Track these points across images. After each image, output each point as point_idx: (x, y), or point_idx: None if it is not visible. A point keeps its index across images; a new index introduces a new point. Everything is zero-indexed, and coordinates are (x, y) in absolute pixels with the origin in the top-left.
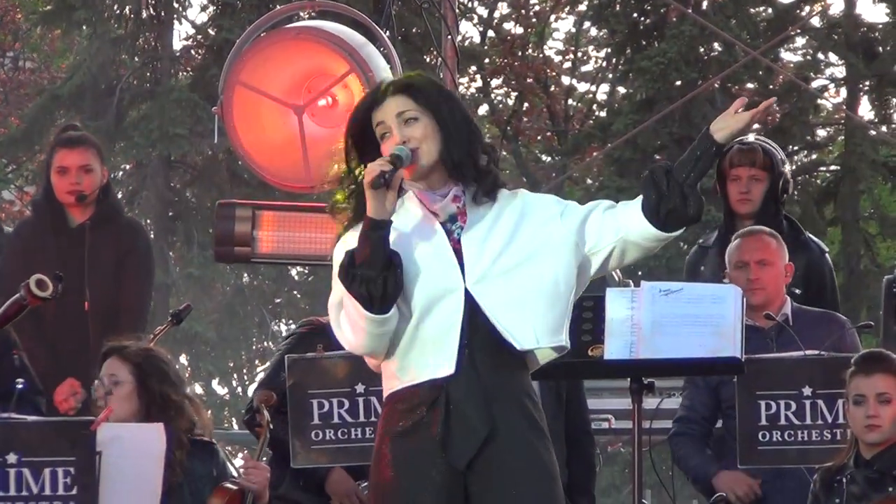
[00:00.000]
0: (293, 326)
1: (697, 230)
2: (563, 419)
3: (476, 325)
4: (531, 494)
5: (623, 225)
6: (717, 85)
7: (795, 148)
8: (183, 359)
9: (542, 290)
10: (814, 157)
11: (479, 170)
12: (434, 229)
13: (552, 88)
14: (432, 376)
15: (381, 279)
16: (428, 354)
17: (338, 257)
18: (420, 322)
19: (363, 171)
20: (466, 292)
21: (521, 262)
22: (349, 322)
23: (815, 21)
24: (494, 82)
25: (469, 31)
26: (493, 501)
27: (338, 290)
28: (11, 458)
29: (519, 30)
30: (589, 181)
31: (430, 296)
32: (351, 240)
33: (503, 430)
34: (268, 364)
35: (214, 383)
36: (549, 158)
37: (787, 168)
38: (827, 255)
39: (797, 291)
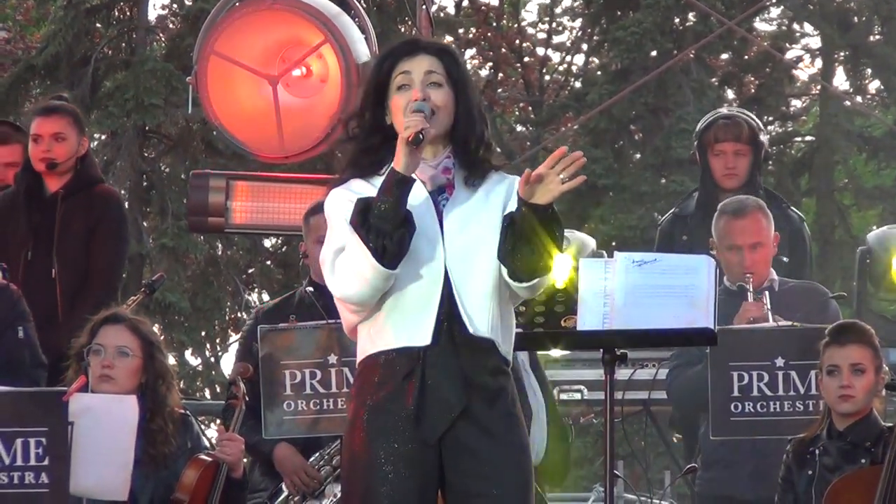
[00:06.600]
0: (266, 298)
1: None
2: None
3: (453, 300)
4: (503, 471)
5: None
6: (692, 55)
7: (770, 118)
8: (156, 329)
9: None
10: (788, 127)
11: (479, 151)
12: (423, 197)
13: (527, 59)
14: (408, 343)
15: (397, 234)
16: (407, 321)
17: (335, 207)
18: (402, 287)
19: (368, 119)
20: (445, 266)
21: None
22: (352, 270)
23: None
24: (469, 52)
25: (443, 0)
26: (466, 476)
27: (339, 238)
28: None
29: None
30: None
31: (414, 263)
32: (344, 194)
33: (478, 407)
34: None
35: (187, 353)
36: (524, 129)
37: (765, 136)
38: (804, 222)
39: (784, 260)
